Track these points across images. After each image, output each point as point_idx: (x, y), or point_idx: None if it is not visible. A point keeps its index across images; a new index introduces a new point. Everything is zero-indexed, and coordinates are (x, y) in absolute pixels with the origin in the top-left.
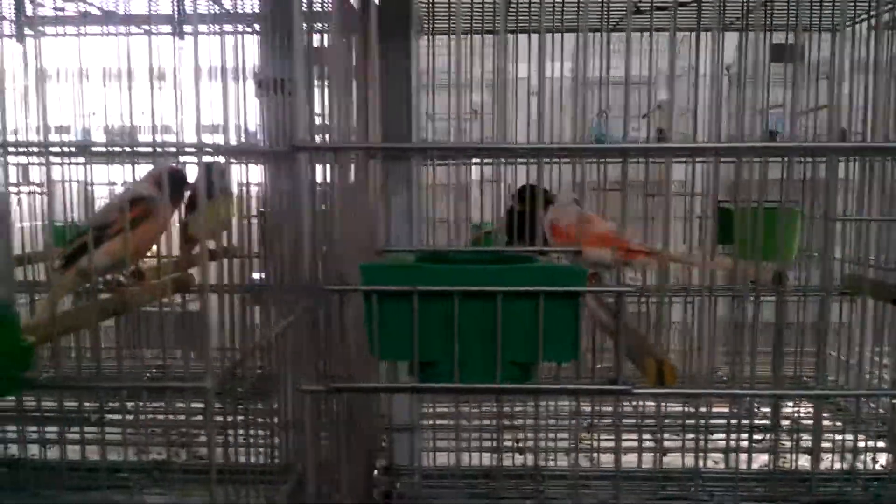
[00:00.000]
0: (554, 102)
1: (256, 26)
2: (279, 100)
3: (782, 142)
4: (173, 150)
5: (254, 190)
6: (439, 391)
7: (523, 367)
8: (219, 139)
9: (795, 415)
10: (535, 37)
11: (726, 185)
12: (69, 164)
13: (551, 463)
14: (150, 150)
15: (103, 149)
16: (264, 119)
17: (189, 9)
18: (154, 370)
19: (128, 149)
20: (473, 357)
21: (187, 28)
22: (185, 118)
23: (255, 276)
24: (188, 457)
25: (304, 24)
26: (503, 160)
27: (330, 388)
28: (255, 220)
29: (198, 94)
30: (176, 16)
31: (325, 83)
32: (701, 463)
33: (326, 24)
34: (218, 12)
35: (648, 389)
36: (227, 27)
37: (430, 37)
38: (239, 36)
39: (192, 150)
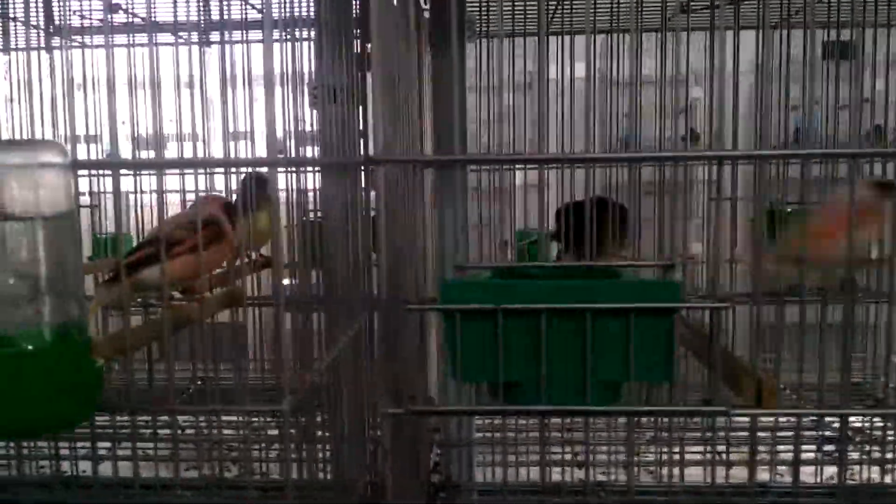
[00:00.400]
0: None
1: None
2: (335, 110)
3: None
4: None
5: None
6: (526, 413)
7: (612, 386)
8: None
9: (864, 426)
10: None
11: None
12: (100, 176)
13: (610, 477)
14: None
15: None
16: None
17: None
18: (199, 383)
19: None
20: (559, 377)
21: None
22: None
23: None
24: (239, 472)
25: (357, 30)
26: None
27: (412, 411)
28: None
29: (270, 103)
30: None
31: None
32: (766, 476)
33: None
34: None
35: (746, 410)
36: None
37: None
38: (295, 44)
39: (269, 162)
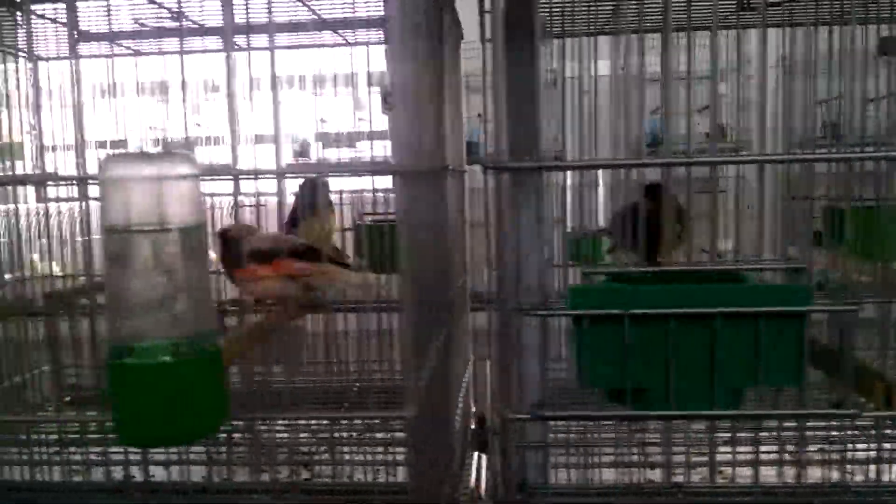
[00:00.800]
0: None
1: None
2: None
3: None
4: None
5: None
6: (654, 418)
7: (735, 390)
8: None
9: None
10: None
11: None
12: None
13: (687, 479)
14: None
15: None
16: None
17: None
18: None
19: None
20: (685, 381)
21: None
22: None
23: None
24: (310, 476)
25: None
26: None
27: (539, 416)
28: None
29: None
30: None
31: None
32: (845, 475)
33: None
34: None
35: (877, 413)
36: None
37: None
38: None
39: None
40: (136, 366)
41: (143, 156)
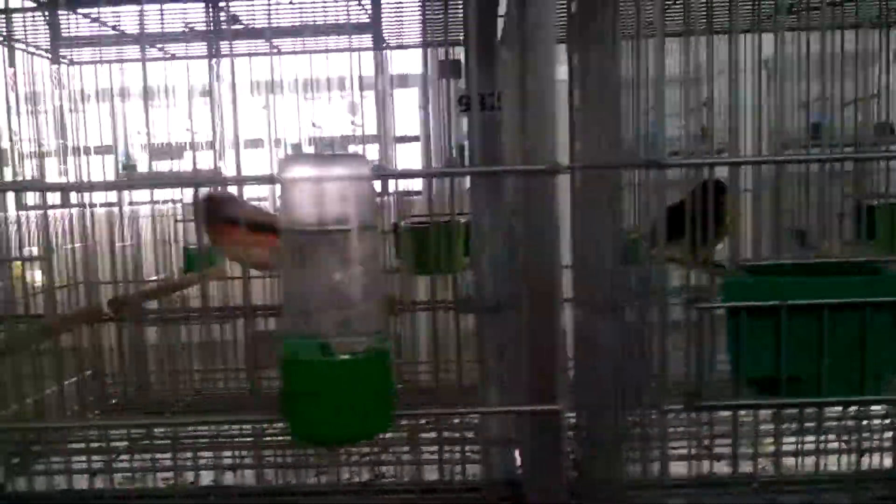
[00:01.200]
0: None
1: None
2: (485, 116)
3: None
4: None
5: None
6: (808, 406)
7: (877, 376)
8: None
9: None
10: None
11: None
12: None
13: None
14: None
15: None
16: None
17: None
18: None
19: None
20: (834, 369)
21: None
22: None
23: None
24: (371, 476)
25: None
26: None
27: (698, 405)
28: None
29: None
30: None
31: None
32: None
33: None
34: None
35: None
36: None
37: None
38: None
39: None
40: (313, 363)
41: (321, 156)
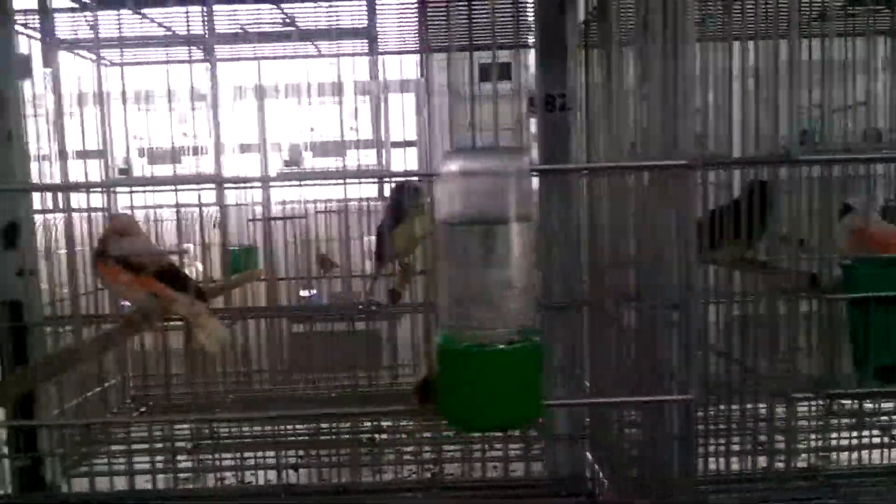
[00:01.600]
0: None
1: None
2: (556, 117)
3: None
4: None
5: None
6: None
7: None
8: None
9: None
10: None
11: None
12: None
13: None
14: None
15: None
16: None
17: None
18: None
19: None
20: None
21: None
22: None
23: None
24: (432, 475)
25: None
26: None
27: (829, 393)
28: None
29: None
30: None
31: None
32: None
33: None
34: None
35: None
36: None
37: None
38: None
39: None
40: (469, 353)
41: (481, 150)
